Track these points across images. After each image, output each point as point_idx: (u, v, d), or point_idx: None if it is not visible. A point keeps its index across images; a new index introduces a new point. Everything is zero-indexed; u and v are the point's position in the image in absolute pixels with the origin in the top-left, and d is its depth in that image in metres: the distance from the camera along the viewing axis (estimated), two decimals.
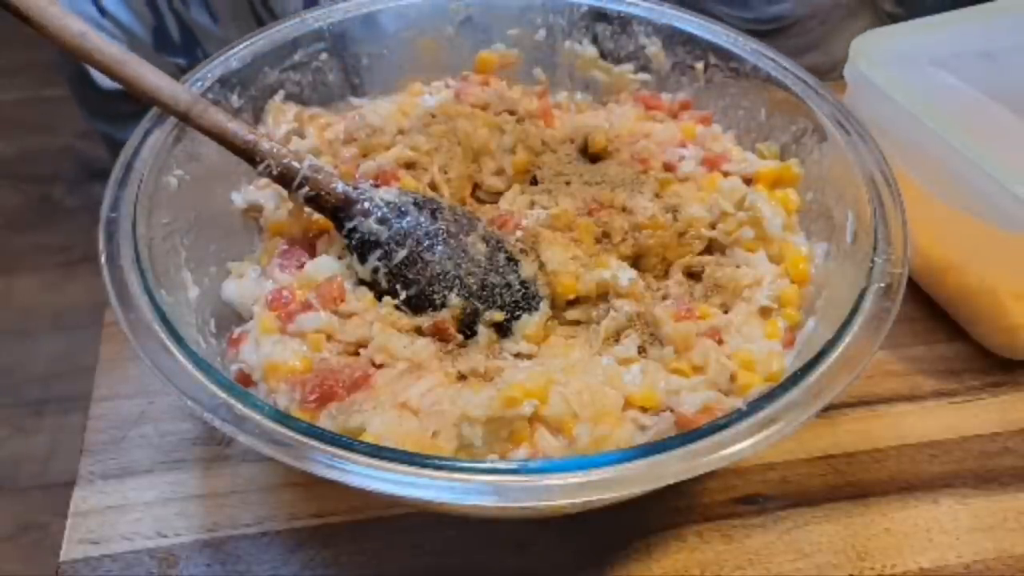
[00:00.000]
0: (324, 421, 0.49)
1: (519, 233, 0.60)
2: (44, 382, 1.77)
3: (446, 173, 0.64)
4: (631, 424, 0.51)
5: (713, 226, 0.63)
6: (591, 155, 0.68)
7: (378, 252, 0.56)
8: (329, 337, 0.54)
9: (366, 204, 0.57)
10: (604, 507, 0.53)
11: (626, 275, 0.58)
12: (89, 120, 1.13)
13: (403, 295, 0.56)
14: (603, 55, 0.75)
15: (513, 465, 0.44)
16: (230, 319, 0.58)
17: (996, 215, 0.65)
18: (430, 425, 0.49)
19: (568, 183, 0.65)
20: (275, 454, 0.42)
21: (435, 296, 0.56)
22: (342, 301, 0.56)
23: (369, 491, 0.41)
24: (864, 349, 0.48)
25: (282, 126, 0.68)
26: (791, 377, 0.46)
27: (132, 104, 0.56)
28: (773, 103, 0.68)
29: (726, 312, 0.59)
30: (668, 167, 0.67)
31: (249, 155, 0.56)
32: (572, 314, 0.58)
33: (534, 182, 0.67)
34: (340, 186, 0.57)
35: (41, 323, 1.88)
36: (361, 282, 0.57)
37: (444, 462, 0.42)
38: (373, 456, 0.42)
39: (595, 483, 0.41)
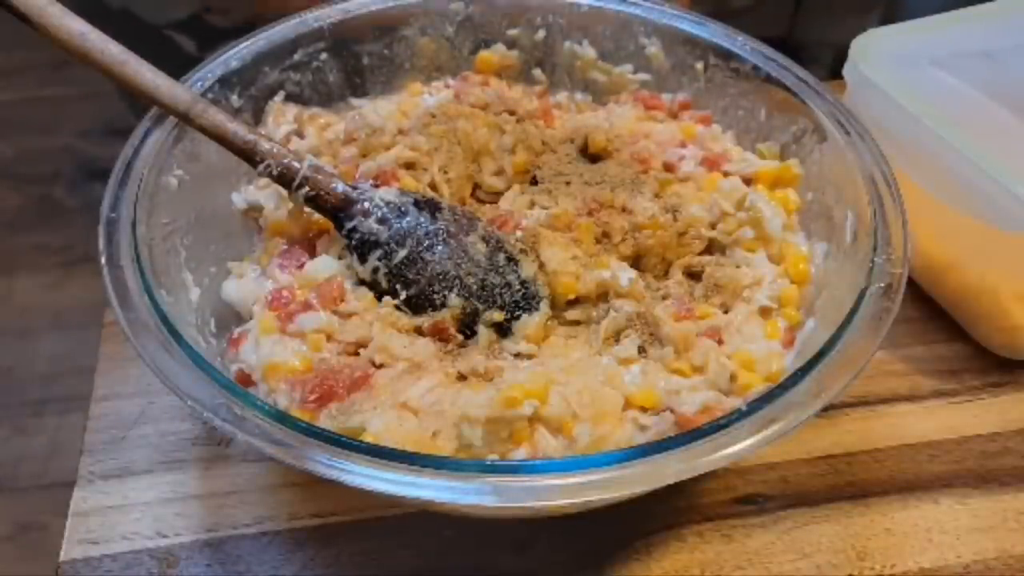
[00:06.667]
0: (324, 421, 0.49)
1: (519, 233, 0.60)
2: (44, 382, 1.77)
3: (446, 173, 0.64)
4: (631, 424, 0.51)
5: (713, 226, 0.63)
6: (591, 155, 0.68)
7: (378, 252, 0.56)
8: (329, 337, 0.54)
9: (366, 204, 0.57)
10: (604, 507, 0.53)
11: (626, 275, 0.58)
12: None
13: (403, 295, 0.56)
14: (603, 55, 0.75)
15: (513, 465, 0.44)
16: (230, 319, 0.58)
17: (996, 215, 0.65)
18: (430, 425, 0.49)
19: (568, 183, 0.65)
20: (275, 454, 0.42)
21: (435, 296, 0.56)
22: (342, 301, 0.56)
23: (369, 491, 0.41)
24: (864, 349, 0.48)
25: (282, 126, 0.68)
26: (791, 377, 0.46)
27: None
28: (773, 103, 0.68)
29: (726, 312, 0.59)
30: (668, 167, 0.67)
31: (249, 155, 0.56)
32: (572, 314, 0.58)
33: (534, 182, 0.67)
34: (340, 186, 0.57)
35: (41, 323, 1.87)
36: (361, 282, 0.57)
37: (444, 462, 0.42)
38: (373, 456, 0.42)
39: (595, 483, 0.41)
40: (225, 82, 0.64)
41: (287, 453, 0.42)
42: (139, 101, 0.55)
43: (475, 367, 0.52)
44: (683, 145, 0.70)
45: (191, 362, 0.46)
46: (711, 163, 0.68)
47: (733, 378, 0.54)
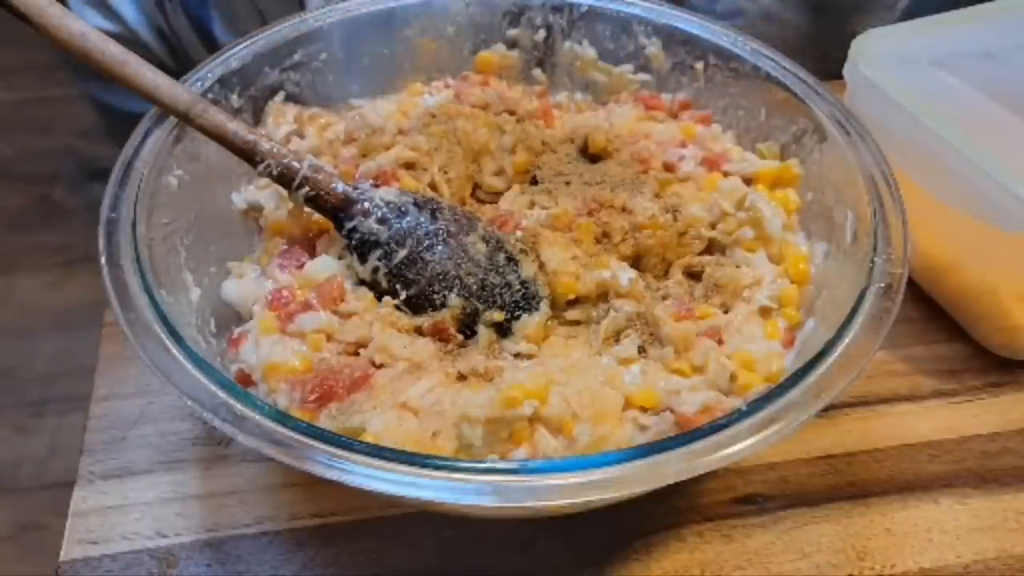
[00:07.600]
0: (324, 421, 0.49)
1: (519, 233, 0.60)
2: (44, 382, 1.77)
3: (446, 173, 0.64)
4: (631, 424, 0.51)
5: (713, 226, 0.63)
6: (591, 155, 0.68)
7: (378, 252, 0.56)
8: (329, 337, 0.54)
9: (366, 204, 0.57)
10: (604, 507, 0.53)
11: (626, 275, 0.58)
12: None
13: (403, 295, 0.56)
14: (603, 55, 0.75)
15: (513, 465, 0.44)
16: (230, 319, 0.58)
17: (996, 215, 0.65)
18: (430, 425, 0.49)
19: (568, 183, 0.65)
20: (275, 454, 0.42)
21: (435, 296, 0.56)
22: (342, 301, 0.56)
23: (369, 491, 0.41)
24: (864, 349, 0.48)
25: (282, 126, 0.68)
26: (791, 377, 0.46)
27: None
28: (773, 103, 0.68)
29: (726, 312, 0.59)
30: (668, 167, 0.68)
31: (249, 155, 0.56)
32: (572, 314, 0.58)
33: (534, 182, 0.67)
34: (340, 186, 0.57)
35: (41, 323, 1.88)
36: (361, 282, 0.57)
37: (444, 462, 0.42)
38: (373, 456, 0.42)
39: (595, 483, 0.41)
40: (225, 82, 0.64)
41: (287, 453, 0.42)
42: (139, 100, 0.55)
43: (475, 367, 0.52)
44: (683, 145, 0.70)
45: (191, 362, 0.46)
46: (711, 163, 0.68)
47: (733, 378, 0.54)
